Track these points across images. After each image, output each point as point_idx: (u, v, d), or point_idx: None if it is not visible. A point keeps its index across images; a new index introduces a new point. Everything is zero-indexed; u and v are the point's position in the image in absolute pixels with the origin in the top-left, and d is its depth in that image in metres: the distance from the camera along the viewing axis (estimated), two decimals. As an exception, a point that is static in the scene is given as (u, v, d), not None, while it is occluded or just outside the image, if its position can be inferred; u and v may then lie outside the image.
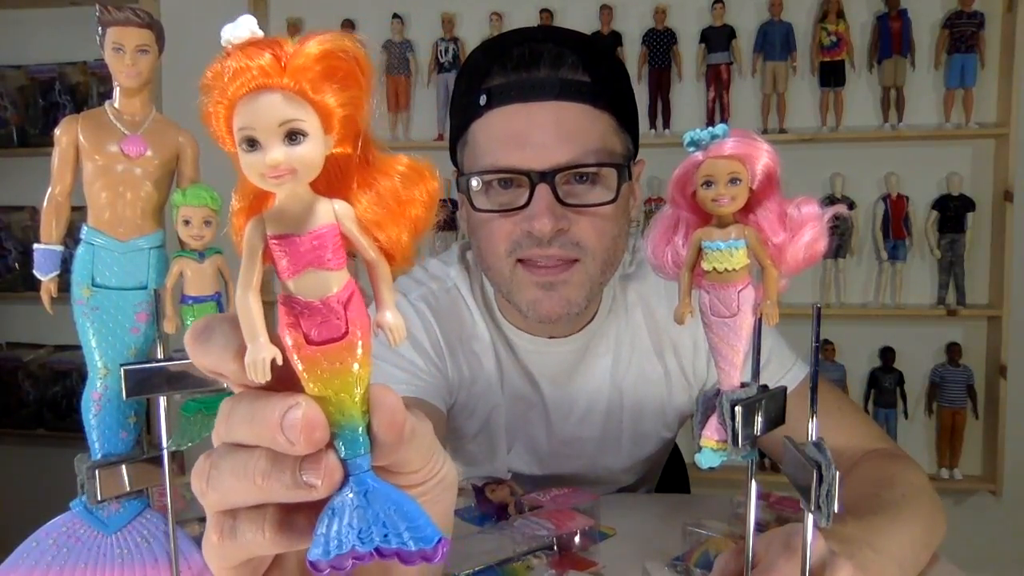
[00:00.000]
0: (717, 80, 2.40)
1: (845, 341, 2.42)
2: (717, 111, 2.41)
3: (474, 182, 0.89)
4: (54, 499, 0.62)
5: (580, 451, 1.06)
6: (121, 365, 0.53)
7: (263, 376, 0.27)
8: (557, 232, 0.86)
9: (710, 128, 0.39)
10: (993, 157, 2.36)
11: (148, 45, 0.55)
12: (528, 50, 0.87)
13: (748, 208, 0.40)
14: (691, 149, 0.39)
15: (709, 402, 0.42)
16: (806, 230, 0.39)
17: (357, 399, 0.28)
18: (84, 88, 2.69)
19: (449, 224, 2.01)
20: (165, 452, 0.56)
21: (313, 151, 0.26)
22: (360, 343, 0.28)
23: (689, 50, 2.43)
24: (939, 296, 2.37)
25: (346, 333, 0.28)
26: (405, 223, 0.29)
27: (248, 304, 0.27)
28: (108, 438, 0.57)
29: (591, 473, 1.08)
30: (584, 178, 0.87)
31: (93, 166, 0.54)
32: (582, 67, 0.87)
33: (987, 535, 2.38)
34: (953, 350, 2.37)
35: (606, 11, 2.41)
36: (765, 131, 2.39)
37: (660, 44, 2.41)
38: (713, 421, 0.42)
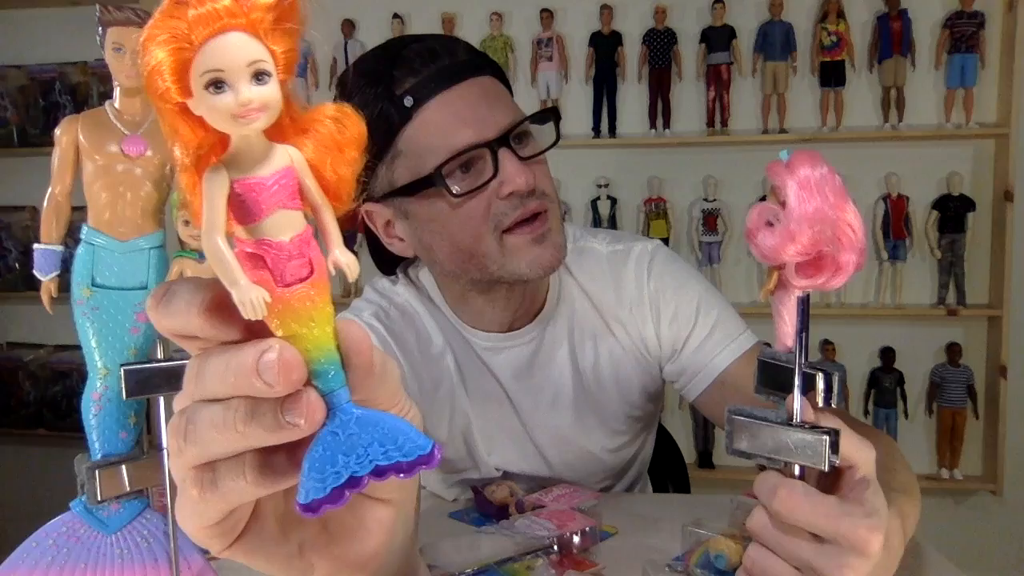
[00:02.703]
0: (717, 80, 2.40)
1: (845, 341, 2.42)
2: (717, 111, 2.41)
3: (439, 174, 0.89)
4: (54, 499, 0.62)
5: (558, 439, 1.07)
6: (121, 365, 0.53)
7: (260, 312, 0.27)
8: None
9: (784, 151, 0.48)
10: (993, 157, 2.36)
11: (148, 45, 0.55)
12: (423, 47, 0.91)
13: None
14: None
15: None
16: (856, 239, 0.47)
17: (330, 332, 0.29)
18: (84, 88, 2.69)
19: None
20: (165, 452, 0.56)
21: (277, 92, 0.27)
22: (327, 278, 0.29)
23: (689, 50, 2.44)
24: (939, 296, 2.37)
25: (313, 270, 0.29)
26: (346, 163, 0.30)
27: (220, 248, 0.27)
28: (108, 438, 0.57)
29: (578, 461, 1.08)
30: (520, 137, 0.92)
31: (93, 166, 0.54)
32: (466, 48, 0.94)
33: (987, 535, 2.39)
34: (953, 350, 2.37)
35: (606, 11, 2.41)
36: (765, 131, 2.39)
37: (660, 44, 2.41)
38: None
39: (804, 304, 0.48)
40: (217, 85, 0.26)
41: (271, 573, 0.37)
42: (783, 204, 0.45)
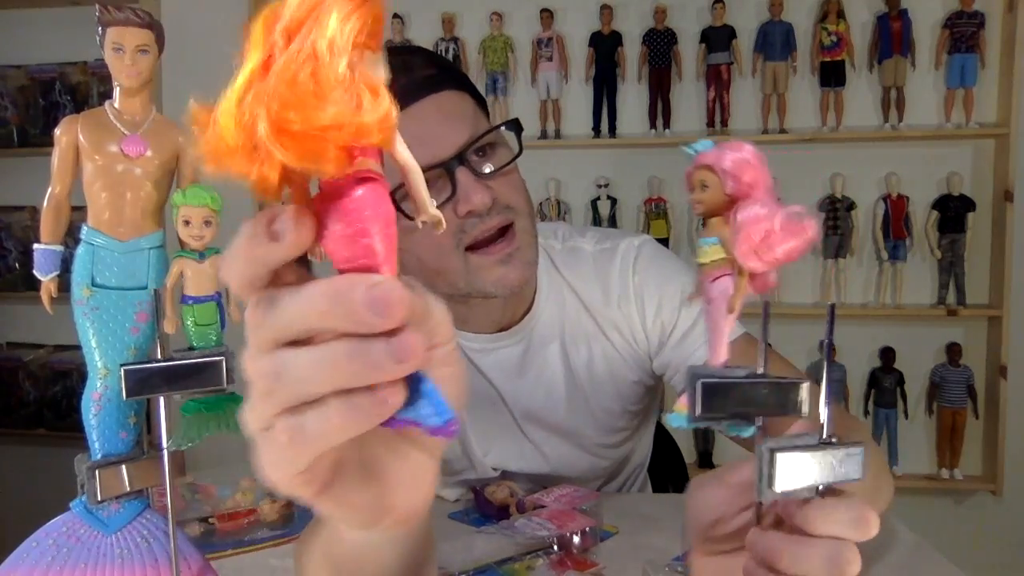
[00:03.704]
0: (717, 80, 2.40)
1: (845, 341, 2.42)
2: (717, 111, 2.41)
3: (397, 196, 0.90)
4: (54, 499, 0.62)
5: (554, 436, 1.07)
6: (121, 365, 0.53)
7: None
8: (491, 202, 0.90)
9: (695, 143, 0.44)
10: (993, 157, 2.36)
11: (148, 45, 0.55)
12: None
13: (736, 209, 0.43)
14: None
15: (694, 371, 0.45)
16: (785, 230, 0.41)
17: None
18: (84, 88, 2.69)
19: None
20: (165, 452, 0.56)
21: None
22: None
23: (689, 50, 2.43)
24: (939, 296, 2.37)
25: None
26: None
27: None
28: (108, 438, 0.57)
29: (576, 457, 1.09)
30: (483, 150, 0.91)
31: (93, 166, 0.54)
32: (424, 63, 0.93)
33: (987, 535, 2.39)
34: (953, 350, 2.37)
35: (606, 11, 2.41)
36: (765, 131, 2.39)
37: (660, 44, 2.41)
38: (686, 395, 0.45)
39: (765, 309, 0.46)
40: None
41: (351, 521, 0.38)
42: (743, 198, 0.42)
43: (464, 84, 0.95)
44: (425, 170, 0.88)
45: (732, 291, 0.44)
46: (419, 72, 0.91)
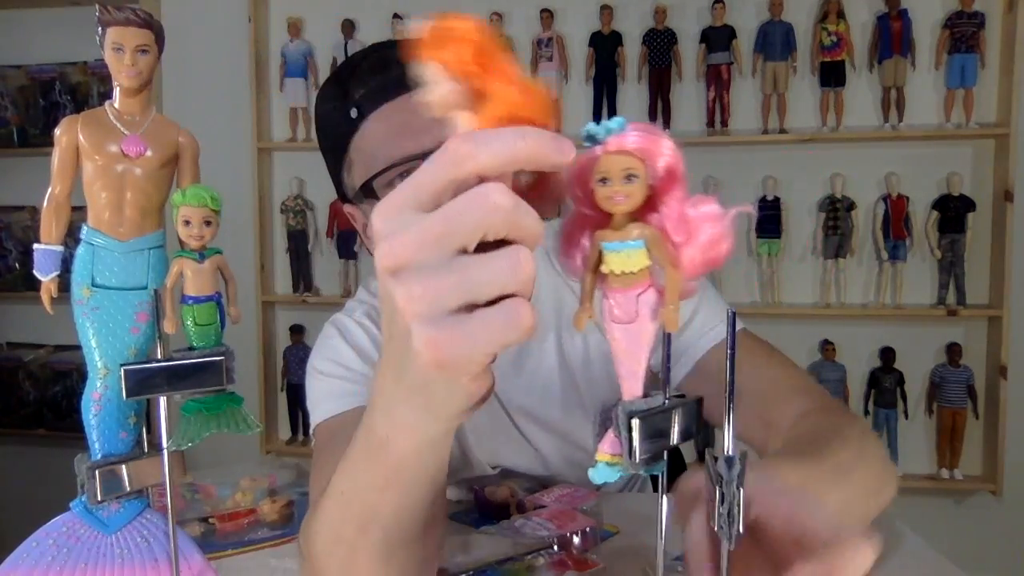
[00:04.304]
0: (717, 80, 2.40)
1: (845, 341, 2.42)
2: (717, 111, 2.41)
3: (377, 184, 0.90)
4: (54, 499, 0.62)
5: (551, 433, 1.07)
6: (121, 365, 0.53)
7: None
8: None
9: (606, 121, 0.37)
10: (993, 157, 2.36)
11: (148, 45, 0.55)
12: (377, 57, 0.92)
13: (651, 207, 0.37)
14: (588, 144, 0.37)
15: (607, 413, 0.38)
16: (704, 230, 0.37)
17: None
18: (84, 88, 2.70)
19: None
20: (165, 452, 0.56)
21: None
22: None
23: (689, 50, 2.43)
24: (939, 296, 2.37)
25: None
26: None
27: None
28: (108, 438, 0.57)
29: (574, 454, 1.08)
30: None
31: (93, 166, 0.54)
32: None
33: (987, 535, 2.39)
34: (953, 350, 2.37)
35: (606, 11, 2.41)
36: (765, 131, 2.39)
37: (660, 44, 2.41)
38: (610, 434, 0.38)
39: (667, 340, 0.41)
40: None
41: (462, 400, 0.40)
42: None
43: None
44: (405, 161, 0.88)
45: (659, 303, 0.37)
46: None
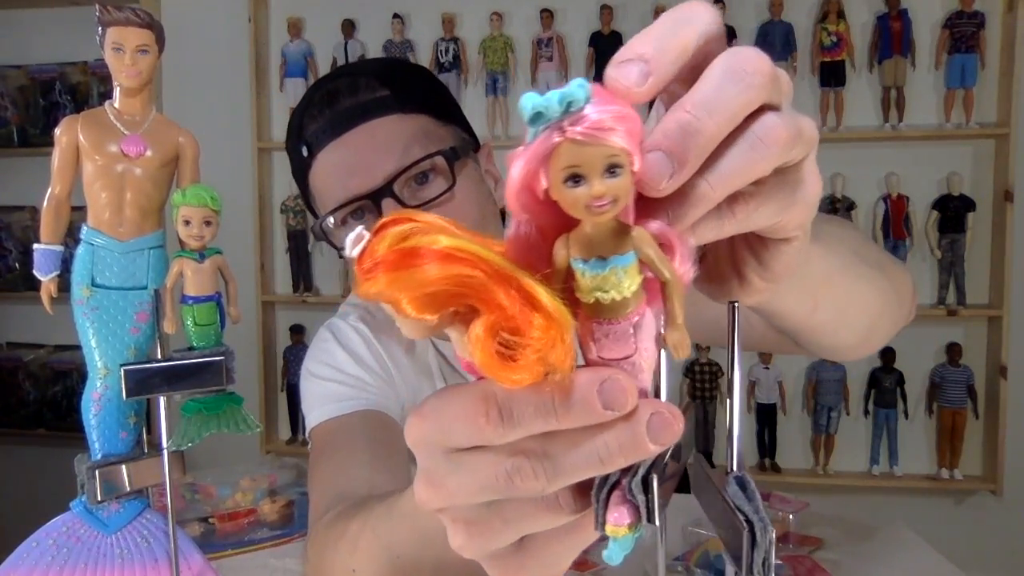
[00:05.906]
0: (717, 80, 2.39)
1: (845, 341, 2.42)
2: (717, 111, 2.41)
3: (330, 221, 0.90)
4: (54, 499, 0.62)
5: None
6: (121, 365, 0.53)
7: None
8: None
9: (560, 88, 0.24)
10: (993, 157, 2.36)
11: (148, 45, 0.55)
12: (325, 91, 0.90)
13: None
14: (534, 127, 0.25)
15: (603, 489, 0.30)
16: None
17: None
18: (84, 88, 2.69)
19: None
20: (165, 452, 0.56)
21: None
22: None
23: (689, 50, 2.43)
24: (939, 296, 2.37)
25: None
26: None
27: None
28: (108, 438, 0.57)
29: None
30: (423, 178, 0.88)
31: (93, 166, 0.54)
32: (379, 84, 0.90)
33: (987, 535, 2.38)
34: (953, 350, 2.37)
35: (606, 11, 2.41)
36: (765, 131, 2.39)
37: (660, 44, 2.41)
38: (616, 503, 0.30)
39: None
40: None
41: None
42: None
43: (424, 105, 0.91)
44: (353, 201, 0.86)
45: (658, 323, 0.28)
46: (364, 95, 0.89)
